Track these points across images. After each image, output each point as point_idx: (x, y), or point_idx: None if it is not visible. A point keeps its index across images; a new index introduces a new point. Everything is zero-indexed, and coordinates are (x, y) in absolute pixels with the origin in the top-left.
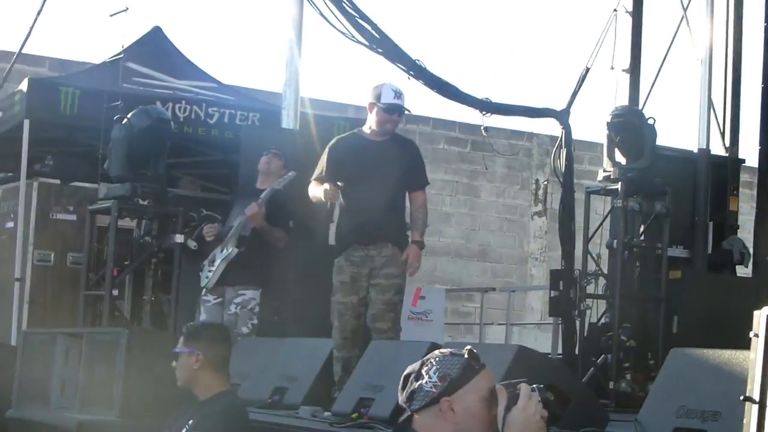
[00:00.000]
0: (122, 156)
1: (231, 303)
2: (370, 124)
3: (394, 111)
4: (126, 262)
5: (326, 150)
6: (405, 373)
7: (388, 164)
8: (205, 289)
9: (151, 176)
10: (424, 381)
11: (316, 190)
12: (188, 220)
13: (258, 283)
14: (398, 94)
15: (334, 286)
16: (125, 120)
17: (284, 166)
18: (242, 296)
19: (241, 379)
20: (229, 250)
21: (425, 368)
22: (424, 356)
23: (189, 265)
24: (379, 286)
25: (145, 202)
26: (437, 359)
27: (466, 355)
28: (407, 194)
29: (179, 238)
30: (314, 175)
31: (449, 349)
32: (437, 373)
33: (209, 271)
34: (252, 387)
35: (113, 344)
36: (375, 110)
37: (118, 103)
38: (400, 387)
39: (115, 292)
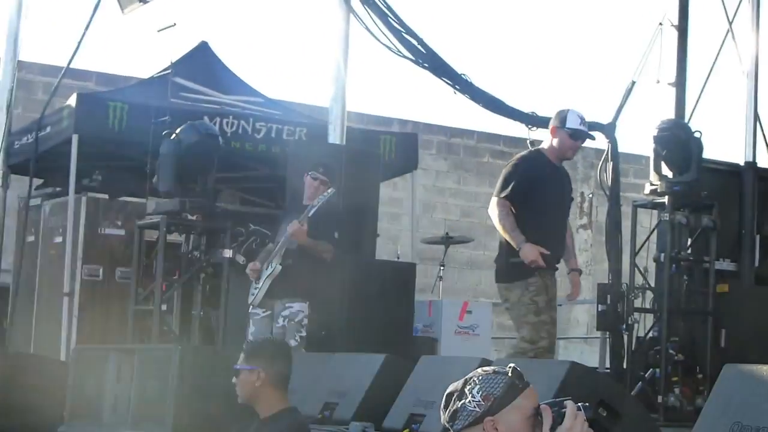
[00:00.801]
0: (171, 171)
1: (279, 316)
2: (552, 147)
3: (579, 137)
4: (174, 277)
5: (514, 167)
6: (447, 392)
7: (568, 190)
8: (251, 306)
9: (199, 191)
10: (467, 400)
11: (509, 225)
12: (236, 235)
13: (305, 295)
14: (583, 121)
15: (538, 306)
16: (173, 135)
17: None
18: (290, 309)
19: (290, 393)
20: (274, 267)
21: (468, 387)
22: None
23: (237, 279)
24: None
25: (194, 217)
26: (480, 378)
27: (509, 374)
28: None
29: (227, 253)
30: (501, 192)
31: (492, 368)
32: (481, 393)
33: (255, 288)
34: (301, 402)
35: (165, 360)
36: (559, 135)
37: (166, 118)
38: (442, 406)
39: (164, 307)
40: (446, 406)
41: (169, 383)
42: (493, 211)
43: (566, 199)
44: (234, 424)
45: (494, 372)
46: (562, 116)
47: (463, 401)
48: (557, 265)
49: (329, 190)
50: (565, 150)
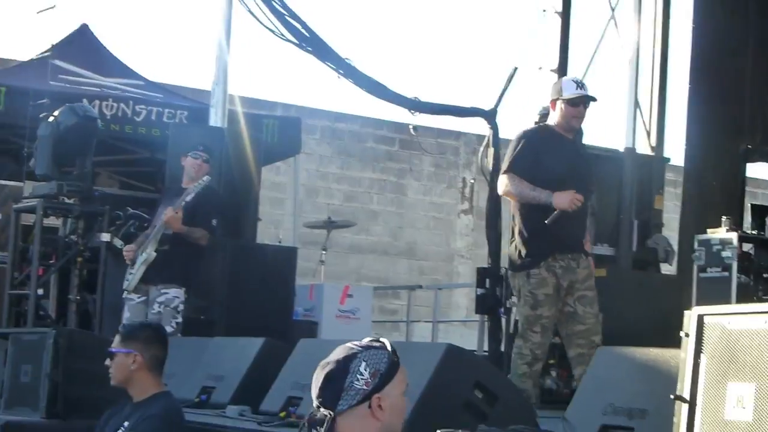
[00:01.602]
0: (48, 154)
1: (154, 302)
2: (557, 120)
3: (579, 103)
4: (51, 261)
5: (519, 139)
6: (326, 371)
7: (584, 165)
8: (126, 291)
9: (77, 175)
10: (354, 378)
11: (526, 189)
12: (114, 219)
13: (181, 281)
14: (580, 85)
15: (536, 300)
16: (52, 118)
17: (209, 171)
18: (165, 295)
19: (168, 378)
20: (149, 253)
21: (353, 364)
22: (365, 349)
23: (115, 264)
24: (585, 298)
25: (71, 201)
26: (364, 354)
27: (388, 348)
28: None
29: (105, 237)
30: (506, 167)
31: (366, 342)
32: (368, 369)
33: (130, 273)
34: (179, 386)
35: (40, 344)
36: (558, 106)
37: (45, 100)
38: (319, 387)
39: (41, 292)
40: (326, 387)
41: (43, 367)
42: (503, 187)
43: (581, 171)
44: (107, 408)
45: (374, 347)
46: (558, 87)
47: (349, 379)
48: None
49: (205, 178)
50: (569, 119)
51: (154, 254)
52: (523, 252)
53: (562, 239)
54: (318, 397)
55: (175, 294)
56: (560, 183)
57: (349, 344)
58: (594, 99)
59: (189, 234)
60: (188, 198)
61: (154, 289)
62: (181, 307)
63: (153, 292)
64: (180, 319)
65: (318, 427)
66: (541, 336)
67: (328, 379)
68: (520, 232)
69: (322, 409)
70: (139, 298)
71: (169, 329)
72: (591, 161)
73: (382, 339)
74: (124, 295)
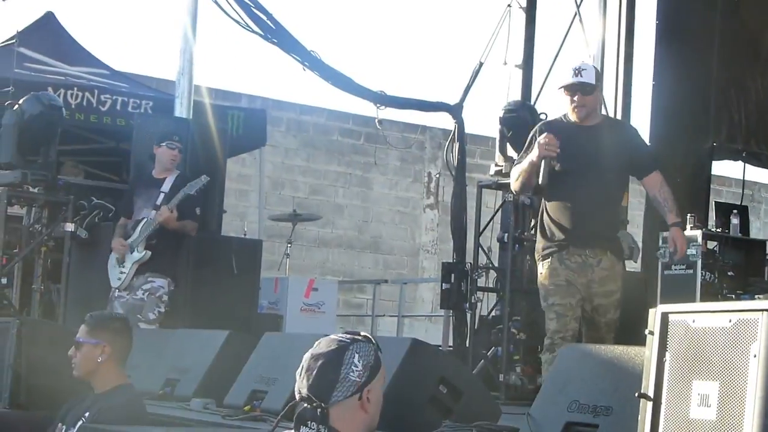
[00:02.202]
0: (12, 142)
1: (139, 288)
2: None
3: (572, 90)
4: (15, 251)
5: (536, 130)
6: (320, 362)
7: (603, 153)
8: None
9: (41, 163)
10: (349, 370)
11: (519, 166)
12: (79, 209)
13: (168, 272)
14: (577, 71)
15: (547, 290)
16: (16, 106)
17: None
18: (151, 283)
19: (131, 369)
20: (142, 254)
21: (347, 355)
22: (353, 341)
23: (79, 253)
24: (600, 308)
25: (35, 190)
26: (356, 346)
27: (373, 342)
28: (641, 181)
29: (69, 227)
30: (519, 160)
31: (351, 335)
32: (362, 361)
33: (121, 272)
34: (143, 378)
35: (2, 334)
36: (563, 97)
37: (10, 88)
38: (313, 377)
39: (4, 281)
40: (320, 378)
41: (5, 357)
42: (511, 181)
43: (602, 159)
44: (69, 398)
45: (362, 340)
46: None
47: (344, 371)
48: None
49: (203, 177)
50: (569, 107)
51: (149, 254)
52: (539, 245)
53: (577, 232)
54: (309, 388)
55: (160, 284)
56: (570, 176)
57: (334, 336)
58: (588, 84)
59: (182, 228)
60: (182, 198)
61: (141, 276)
62: (165, 297)
63: (139, 279)
64: (163, 309)
65: (310, 422)
66: (557, 323)
67: (323, 370)
68: (539, 224)
69: (306, 403)
70: (128, 295)
71: (151, 316)
72: (622, 149)
73: (363, 333)
74: (115, 293)
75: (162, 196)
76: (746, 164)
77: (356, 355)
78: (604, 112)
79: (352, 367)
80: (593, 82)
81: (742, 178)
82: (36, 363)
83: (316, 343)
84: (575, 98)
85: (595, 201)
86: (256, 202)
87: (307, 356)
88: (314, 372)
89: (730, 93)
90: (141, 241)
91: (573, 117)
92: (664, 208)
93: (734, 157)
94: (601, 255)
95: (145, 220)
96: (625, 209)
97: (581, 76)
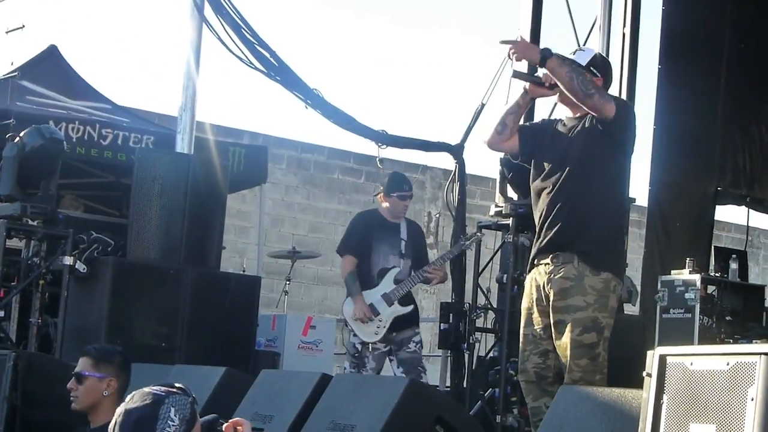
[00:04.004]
0: (12, 175)
1: (410, 341)
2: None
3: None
4: (13, 283)
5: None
6: (135, 418)
7: (573, 145)
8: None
9: (41, 196)
10: (166, 424)
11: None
12: (78, 243)
13: (418, 321)
14: (576, 51)
15: (519, 314)
16: (17, 138)
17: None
18: (418, 334)
19: None
20: (405, 309)
21: (162, 409)
22: (168, 394)
23: (77, 287)
24: (560, 324)
25: (35, 223)
26: (171, 400)
27: (189, 394)
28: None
29: (68, 260)
30: None
31: (166, 387)
32: (178, 415)
33: (378, 327)
34: None
35: None
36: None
37: (11, 121)
38: None
39: (1, 314)
40: None
41: (1, 390)
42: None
43: (570, 151)
44: None
45: (177, 393)
46: None
47: (159, 425)
48: (550, 256)
49: (477, 235)
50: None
51: (410, 309)
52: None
53: (539, 241)
54: None
55: (421, 335)
56: (538, 176)
57: (148, 389)
58: (577, 64)
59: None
60: (457, 253)
61: (407, 329)
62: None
63: (406, 332)
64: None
65: None
66: (522, 352)
67: (138, 425)
68: None
69: None
70: (384, 347)
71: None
72: (584, 137)
73: (177, 384)
74: (368, 346)
75: (404, 243)
76: (750, 209)
77: (172, 409)
78: None
79: (168, 421)
80: (582, 63)
81: (745, 224)
82: (32, 396)
83: (129, 396)
84: (542, 91)
85: (558, 201)
86: (255, 239)
87: (120, 410)
88: (129, 428)
89: (735, 137)
90: (401, 295)
91: (556, 99)
92: None
93: (738, 203)
94: (563, 263)
95: (398, 270)
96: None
97: (575, 54)
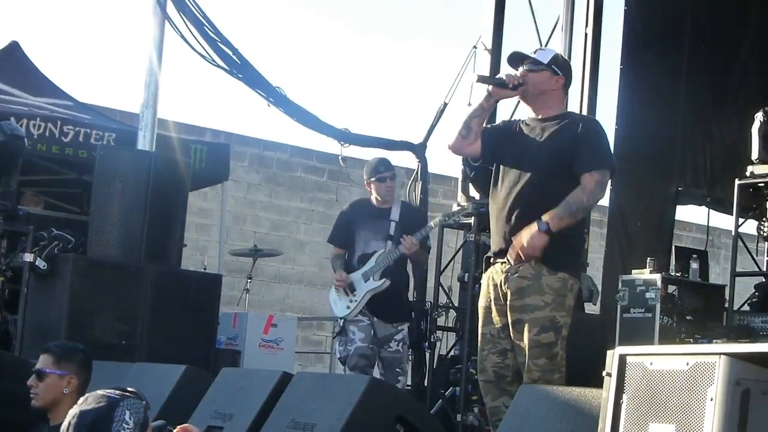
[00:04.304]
0: None
1: (392, 339)
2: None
3: (515, 61)
4: None
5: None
6: (89, 418)
7: (539, 149)
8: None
9: (1, 193)
10: (120, 427)
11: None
12: (38, 239)
13: (407, 317)
14: (536, 50)
15: (477, 313)
16: None
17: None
18: (402, 332)
19: None
20: (378, 282)
21: (117, 413)
22: (123, 397)
23: (37, 284)
24: (519, 323)
25: None
26: (125, 403)
27: (142, 398)
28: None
29: (28, 257)
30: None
31: (120, 391)
32: (133, 419)
33: (351, 300)
34: None
35: None
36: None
37: None
38: None
39: None
40: None
41: None
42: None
43: (535, 155)
44: (23, 430)
45: (131, 396)
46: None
47: (114, 428)
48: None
49: (461, 206)
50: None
51: (387, 283)
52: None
53: (496, 239)
54: None
55: (406, 331)
56: (497, 183)
57: (102, 392)
58: (537, 61)
59: (419, 257)
60: (428, 233)
61: (390, 326)
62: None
63: (388, 329)
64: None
65: None
66: (480, 351)
67: (93, 426)
68: None
69: None
70: (367, 320)
71: (405, 368)
72: (565, 144)
73: (130, 388)
74: (343, 323)
75: (393, 225)
76: (711, 210)
77: (127, 412)
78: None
79: (123, 424)
80: (544, 62)
81: (705, 224)
82: None
83: (82, 399)
84: (518, 70)
85: (518, 200)
86: (216, 237)
87: (73, 412)
88: (84, 430)
89: (696, 137)
90: (377, 270)
91: (536, 111)
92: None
93: (699, 202)
94: (524, 262)
95: (381, 251)
96: (585, 252)
97: (535, 54)
